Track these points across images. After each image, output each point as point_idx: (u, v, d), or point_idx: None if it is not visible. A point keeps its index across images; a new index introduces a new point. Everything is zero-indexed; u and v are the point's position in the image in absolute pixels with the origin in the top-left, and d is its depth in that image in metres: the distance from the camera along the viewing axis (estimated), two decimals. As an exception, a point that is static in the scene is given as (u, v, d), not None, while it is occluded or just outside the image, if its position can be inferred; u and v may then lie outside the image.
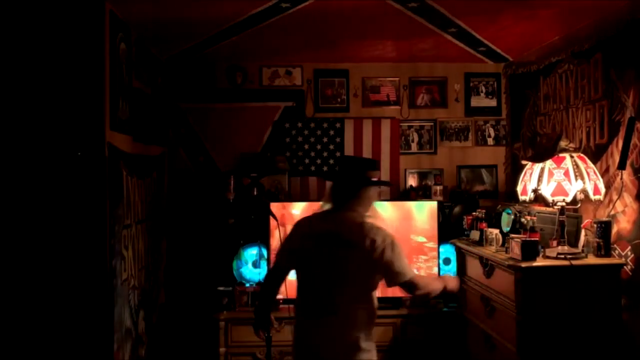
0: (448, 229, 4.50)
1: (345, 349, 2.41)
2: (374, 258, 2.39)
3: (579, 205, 3.39)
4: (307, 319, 2.50)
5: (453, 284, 2.74)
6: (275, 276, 2.69)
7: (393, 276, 2.43)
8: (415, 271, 2.64)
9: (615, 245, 3.25)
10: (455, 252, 4.28)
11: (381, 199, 4.72)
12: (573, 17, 3.52)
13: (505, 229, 3.62)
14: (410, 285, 2.45)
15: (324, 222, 2.52)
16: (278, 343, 3.93)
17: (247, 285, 4.40)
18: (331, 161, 4.81)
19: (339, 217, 2.50)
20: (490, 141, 4.95)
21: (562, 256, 3.13)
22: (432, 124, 4.93)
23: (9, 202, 2.91)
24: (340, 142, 4.83)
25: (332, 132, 4.82)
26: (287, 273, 2.67)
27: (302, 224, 2.62)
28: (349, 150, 4.81)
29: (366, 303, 2.46)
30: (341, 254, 2.41)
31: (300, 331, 2.55)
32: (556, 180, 3.15)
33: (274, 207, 4.15)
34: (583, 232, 3.36)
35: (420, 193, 4.72)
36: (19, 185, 2.92)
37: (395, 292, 4.24)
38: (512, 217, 3.58)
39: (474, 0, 3.26)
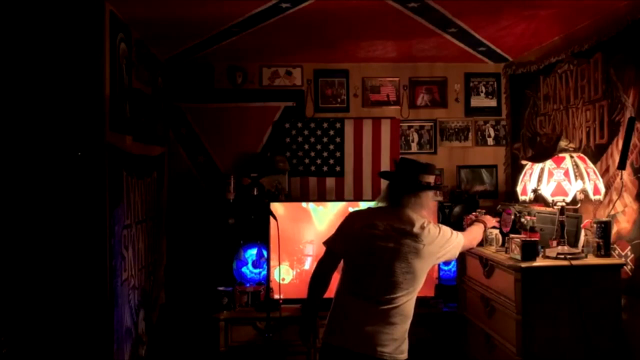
0: (448, 229, 4.49)
1: (396, 339, 2.53)
2: (431, 252, 2.60)
3: (579, 205, 3.39)
4: (361, 301, 2.54)
5: (490, 222, 3.39)
6: (329, 263, 2.69)
7: (451, 257, 2.78)
8: (459, 235, 2.81)
9: (615, 245, 3.25)
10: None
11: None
12: (573, 17, 3.52)
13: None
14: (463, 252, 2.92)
15: (385, 216, 2.61)
16: (278, 342, 3.95)
17: (247, 285, 4.40)
18: (331, 161, 4.81)
19: (397, 213, 2.61)
20: (490, 141, 4.95)
21: (562, 256, 3.13)
22: (432, 124, 4.93)
23: (9, 202, 2.91)
24: (340, 142, 4.83)
25: (332, 132, 4.82)
26: (339, 261, 2.68)
27: (360, 215, 2.71)
28: (349, 150, 4.81)
29: (414, 296, 2.61)
30: (404, 246, 2.54)
31: (348, 312, 2.57)
32: (556, 180, 3.15)
33: (274, 207, 4.15)
34: (583, 232, 3.36)
35: (420, 193, 4.70)
36: (19, 186, 2.92)
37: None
38: (512, 217, 3.58)
39: (474, 0, 3.26)
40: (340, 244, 2.67)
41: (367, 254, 2.57)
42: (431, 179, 2.69)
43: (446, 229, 2.71)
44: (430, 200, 2.75)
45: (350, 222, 2.69)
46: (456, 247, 2.75)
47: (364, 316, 2.52)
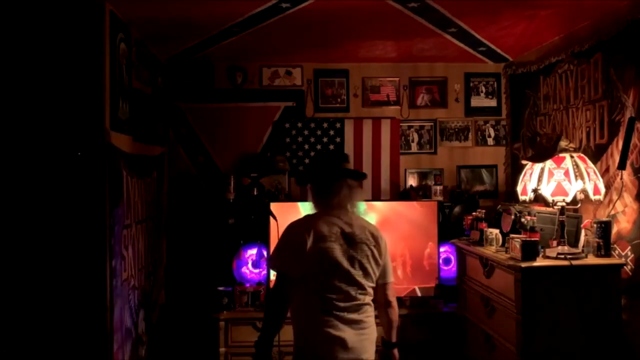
0: (448, 229, 4.51)
1: (372, 341, 2.53)
2: (380, 255, 2.56)
3: (579, 205, 3.40)
4: (335, 317, 2.43)
5: None
6: (287, 289, 2.43)
7: (384, 274, 2.61)
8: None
9: (615, 245, 3.25)
10: (455, 252, 4.29)
11: (382, 199, 4.74)
12: (573, 17, 3.52)
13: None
14: (389, 289, 2.65)
15: (331, 222, 2.49)
16: (278, 343, 3.95)
17: (247, 285, 4.41)
18: (331, 161, 4.80)
19: (342, 216, 2.53)
20: (490, 141, 4.95)
21: (562, 256, 3.13)
22: (432, 124, 4.93)
23: (9, 202, 2.91)
24: (340, 142, 4.83)
25: (332, 132, 4.82)
26: (296, 284, 2.44)
27: (305, 228, 2.47)
28: (349, 150, 4.81)
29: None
30: (359, 251, 2.49)
31: (326, 332, 2.42)
32: (556, 180, 3.15)
33: (274, 207, 4.14)
34: (583, 232, 3.36)
35: (420, 193, 4.72)
36: (19, 186, 2.92)
37: (399, 292, 4.26)
38: (512, 217, 3.58)
39: (474, 0, 3.26)
40: (296, 267, 2.43)
41: (328, 268, 2.44)
42: (350, 166, 2.66)
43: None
44: (360, 193, 2.63)
45: (298, 240, 2.44)
46: (390, 272, 2.64)
47: (344, 331, 2.42)
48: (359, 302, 2.48)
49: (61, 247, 2.94)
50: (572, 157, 3.20)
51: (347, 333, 2.43)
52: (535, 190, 3.27)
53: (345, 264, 2.45)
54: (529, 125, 4.48)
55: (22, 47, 2.93)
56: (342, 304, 2.44)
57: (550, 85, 4.09)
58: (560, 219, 3.20)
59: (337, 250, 2.44)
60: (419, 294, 4.38)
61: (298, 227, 2.51)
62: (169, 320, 4.58)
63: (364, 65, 4.86)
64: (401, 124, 4.89)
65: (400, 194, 4.82)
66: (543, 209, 3.57)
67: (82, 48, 2.99)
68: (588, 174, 3.16)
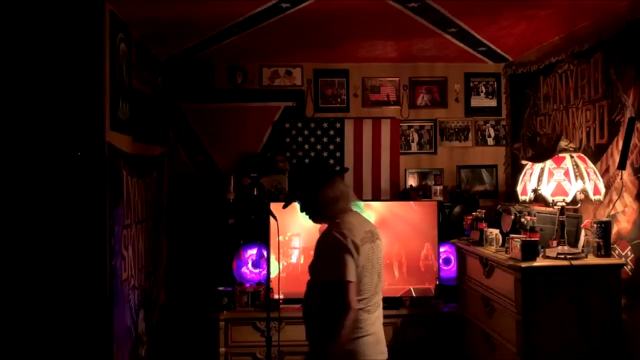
0: (448, 229, 4.51)
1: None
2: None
3: (579, 205, 3.40)
4: (372, 313, 2.51)
5: None
6: (352, 297, 2.38)
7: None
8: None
9: (615, 245, 3.25)
10: (455, 252, 4.29)
11: (382, 199, 4.74)
12: (573, 17, 3.52)
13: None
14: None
15: (355, 225, 2.51)
16: (278, 343, 3.95)
17: (247, 285, 4.41)
18: (331, 161, 4.81)
19: (355, 217, 2.58)
20: (490, 141, 4.95)
21: (562, 256, 3.13)
22: (432, 124, 4.93)
23: (9, 202, 2.91)
24: (340, 142, 4.83)
25: (332, 132, 4.82)
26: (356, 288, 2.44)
27: (346, 233, 2.44)
28: (349, 150, 4.81)
29: None
30: (379, 248, 2.57)
31: (365, 329, 2.45)
32: (556, 180, 3.15)
33: (274, 207, 4.14)
34: (583, 232, 3.36)
35: (420, 193, 4.72)
36: (19, 186, 2.92)
37: (396, 292, 4.27)
38: (512, 217, 3.58)
39: (474, 0, 3.26)
40: (356, 274, 2.42)
41: (370, 269, 2.50)
42: None
43: None
44: (352, 192, 2.70)
45: (348, 247, 2.41)
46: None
47: (375, 326, 2.53)
48: (380, 296, 2.56)
49: (61, 247, 2.94)
50: (572, 157, 3.20)
51: (377, 327, 2.52)
52: (535, 190, 3.27)
53: (376, 262, 2.54)
54: (529, 125, 4.48)
55: (22, 47, 2.93)
56: (375, 300, 2.52)
57: (550, 85, 4.09)
58: (560, 219, 3.20)
59: (372, 250, 2.51)
60: (414, 295, 4.37)
61: (339, 235, 2.44)
62: (169, 320, 4.58)
63: (364, 65, 4.86)
64: (401, 124, 4.89)
65: (400, 194, 4.82)
66: (543, 209, 3.57)
67: (82, 48, 2.99)
68: (588, 174, 3.16)
